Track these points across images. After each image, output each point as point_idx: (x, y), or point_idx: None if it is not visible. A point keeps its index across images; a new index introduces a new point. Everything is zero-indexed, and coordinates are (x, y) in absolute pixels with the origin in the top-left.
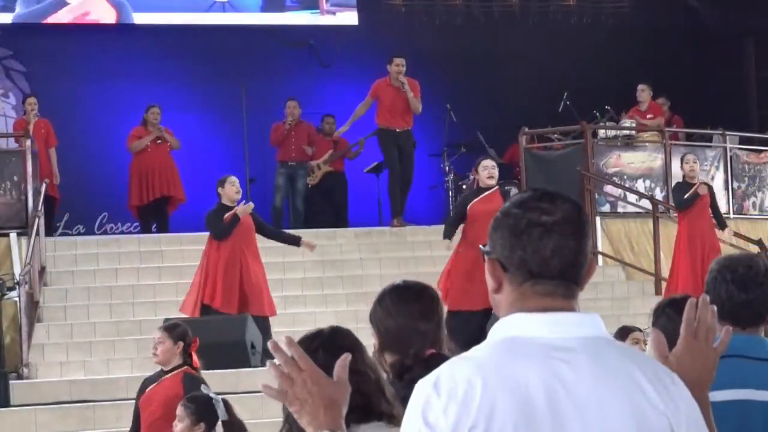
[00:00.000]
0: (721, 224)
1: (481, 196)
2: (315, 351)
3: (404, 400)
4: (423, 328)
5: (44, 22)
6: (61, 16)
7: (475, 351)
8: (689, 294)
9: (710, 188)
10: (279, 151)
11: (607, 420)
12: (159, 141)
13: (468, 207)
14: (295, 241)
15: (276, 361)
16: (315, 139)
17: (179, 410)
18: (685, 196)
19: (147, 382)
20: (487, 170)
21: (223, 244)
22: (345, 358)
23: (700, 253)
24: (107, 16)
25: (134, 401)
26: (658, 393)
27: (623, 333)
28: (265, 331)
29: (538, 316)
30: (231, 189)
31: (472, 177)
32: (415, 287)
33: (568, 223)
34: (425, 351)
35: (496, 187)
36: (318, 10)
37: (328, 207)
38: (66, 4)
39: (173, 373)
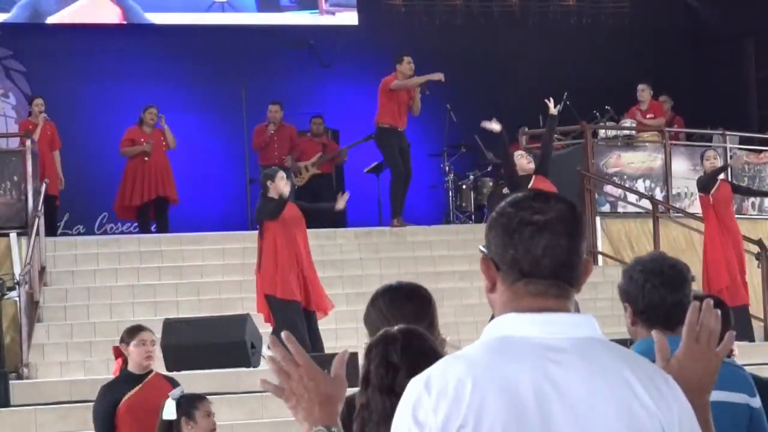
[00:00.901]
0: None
1: (531, 182)
2: (390, 351)
3: None
4: None
5: (46, 22)
6: (64, 16)
7: (468, 350)
8: (726, 284)
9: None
10: (261, 155)
11: (597, 421)
12: (146, 159)
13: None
14: (330, 209)
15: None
16: (297, 141)
17: (209, 407)
18: (707, 179)
19: (117, 388)
20: (525, 156)
21: (277, 236)
22: (343, 354)
23: (731, 245)
24: (111, 15)
25: (98, 409)
26: (650, 395)
27: None
28: (314, 329)
29: (531, 316)
30: (281, 182)
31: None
32: (407, 288)
33: (561, 222)
34: None
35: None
36: (317, 10)
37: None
38: (70, 3)
39: (152, 375)
